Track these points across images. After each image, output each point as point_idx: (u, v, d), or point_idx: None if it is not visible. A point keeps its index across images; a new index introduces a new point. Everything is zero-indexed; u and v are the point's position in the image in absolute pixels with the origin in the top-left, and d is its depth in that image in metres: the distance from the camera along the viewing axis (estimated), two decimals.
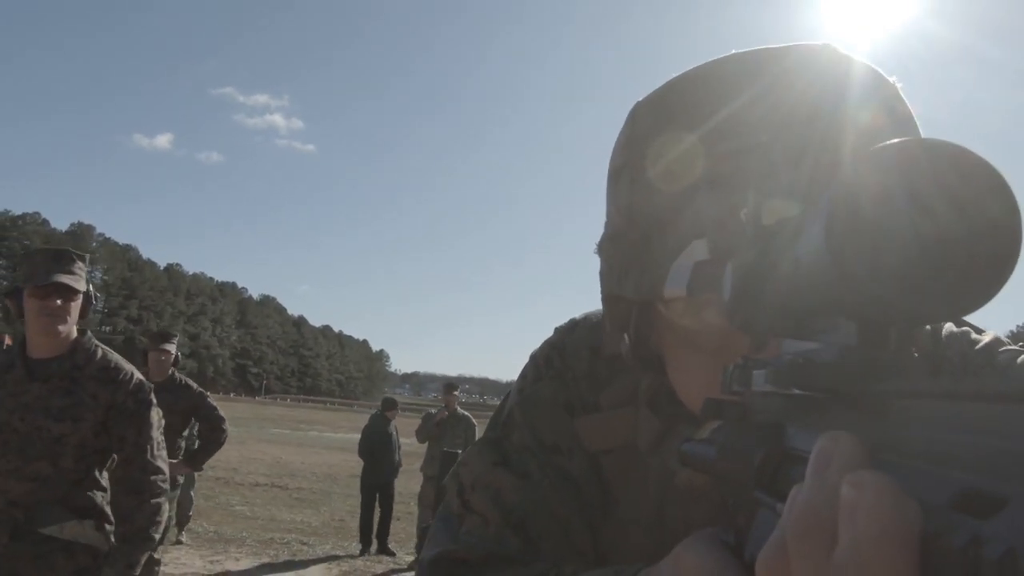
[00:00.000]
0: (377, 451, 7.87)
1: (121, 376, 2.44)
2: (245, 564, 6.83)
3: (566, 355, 0.76)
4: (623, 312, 0.63)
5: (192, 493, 7.45)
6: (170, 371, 4.79)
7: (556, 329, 0.80)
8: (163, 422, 2.55)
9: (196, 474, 7.10)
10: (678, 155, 0.55)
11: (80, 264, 2.49)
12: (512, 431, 0.75)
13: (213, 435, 4.82)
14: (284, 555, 7.32)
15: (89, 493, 2.41)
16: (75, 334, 2.47)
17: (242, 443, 18.13)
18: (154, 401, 2.49)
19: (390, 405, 8.46)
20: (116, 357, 2.51)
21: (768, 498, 0.34)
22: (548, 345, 0.79)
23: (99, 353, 2.49)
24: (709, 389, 0.50)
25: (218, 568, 6.51)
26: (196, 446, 5.08)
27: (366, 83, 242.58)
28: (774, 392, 0.36)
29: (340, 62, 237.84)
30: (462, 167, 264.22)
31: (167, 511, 2.45)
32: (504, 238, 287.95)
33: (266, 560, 7.03)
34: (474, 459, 0.76)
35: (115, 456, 2.46)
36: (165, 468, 2.48)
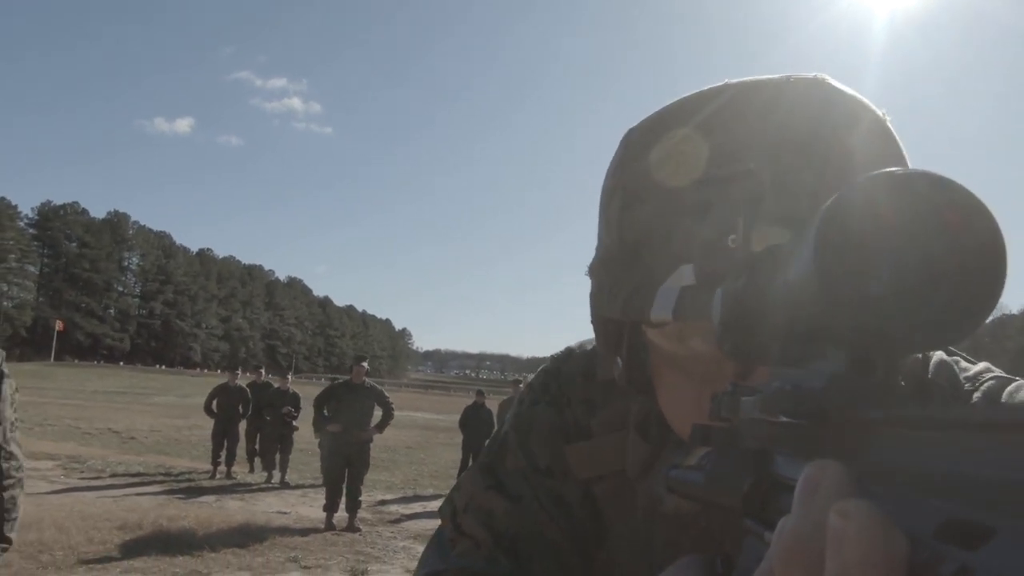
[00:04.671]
0: (471, 424, 11.51)
1: None
2: (390, 496, 10.47)
3: (561, 381, 0.77)
4: (614, 334, 0.64)
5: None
6: (364, 378, 8.40)
7: (552, 357, 0.81)
8: (17, 396, 2.07)
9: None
10: (666, 179, 0.55)
11: None
12: (506, 454, 0.76)
13: (388, 414, 8.54)
14: (408, 492, 10.99)
15: None
16: None
17: (306, 420, 21.04)
18: (7, 372, 1.99)
19: (480, 393, 12.42)
20: None
21: (756, 526, 0.34)
22: (543, 372, 0.80)
23: None
24: (698, 414, 0.51)
25: (376, 499, 10.13)
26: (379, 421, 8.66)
27: (383, 66, 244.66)
28: (762, 419, 0.36)
29: (357, 45, 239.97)
30: (483, 149, 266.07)
31: (22, 504, 2.01)
32: (526, 219, 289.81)
33: (402, 495, 10.69)
34: (468, 483, 0.77)
35: None
36: (19, 453, 1.99)
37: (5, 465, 1.93)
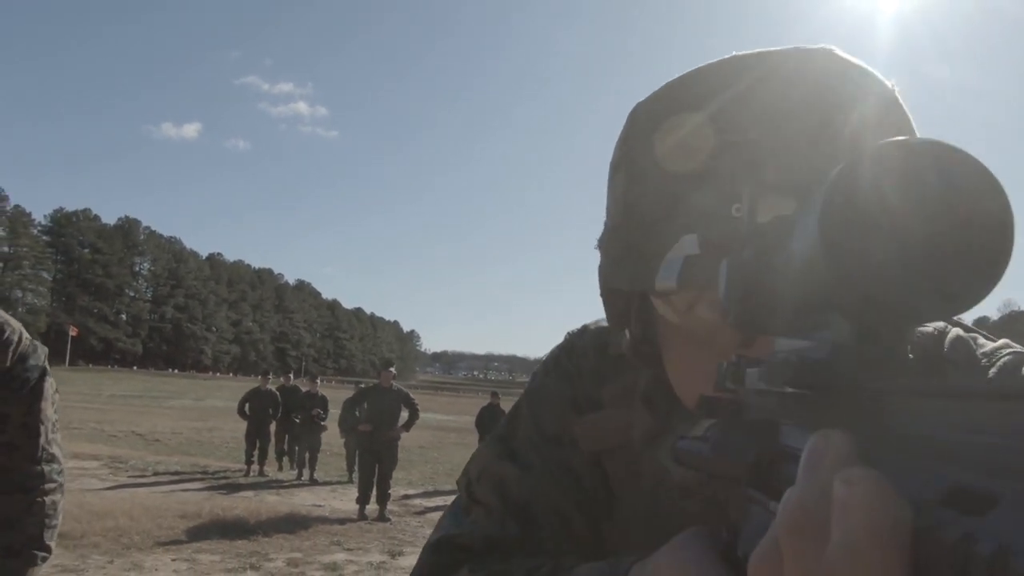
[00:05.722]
0: (487, 424, 12.28)
1: (5, 335, 1.67)
2: (415, 491, 11.29)
3: (574, 355, 0.78)
4: (621, 305, 0.65)
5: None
6: (391, 382, 9.28)
7: (568, 333, 0.83)
8: (57, 396, 1.82)
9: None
10: (671, 150, 0.56)
11: None
12: (519, 425, 0.78)
13: (414, 415, 9.46)
14: (429, 488, 11.81)
15: None
16: None
17: (333, 421, 21.70)
18: (48, 370, 1.77)
19: (495, 395, 13.14)
20: None
21: (761, 496, 0.34)
22: (558, 348, 0.82)
23: None
24: (704, 385, 0.50)
25: (400, 494, 10.94)
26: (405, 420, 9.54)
27: (388, 68, 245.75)
28: (768, 390, 0.36)
29: (362, 48, 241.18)
30: (487, 149, 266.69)
31: (63, 510, 1.79)
32: (532, 219, 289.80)
33: (423, 490, 11.50)
34: (482, 454, 0.79)
35: None
36: (60, 456, 1.79)
37: (47, 468, 1.74)
